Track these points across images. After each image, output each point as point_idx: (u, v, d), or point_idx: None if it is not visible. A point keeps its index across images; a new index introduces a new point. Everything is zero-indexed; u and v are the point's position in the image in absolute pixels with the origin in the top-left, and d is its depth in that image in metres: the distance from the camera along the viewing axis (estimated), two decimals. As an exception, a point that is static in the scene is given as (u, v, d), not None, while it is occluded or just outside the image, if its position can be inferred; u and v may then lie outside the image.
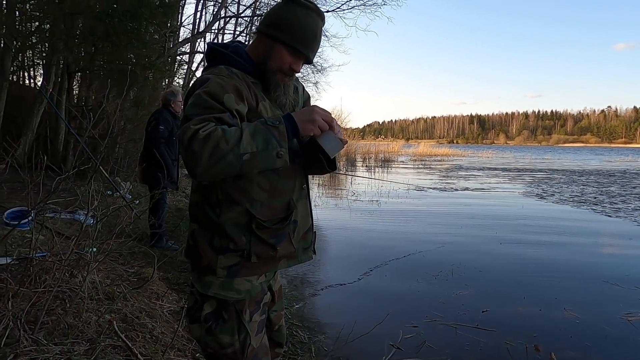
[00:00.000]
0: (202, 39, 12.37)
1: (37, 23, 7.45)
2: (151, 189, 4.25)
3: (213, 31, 12.85)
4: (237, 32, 13.97)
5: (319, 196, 9.44)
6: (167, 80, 10.54)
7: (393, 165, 20.56)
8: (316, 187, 11.07)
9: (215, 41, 12.79)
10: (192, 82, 1.40)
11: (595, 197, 9.83)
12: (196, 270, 1.27)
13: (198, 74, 12.15)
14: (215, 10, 12.35)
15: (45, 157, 2.32)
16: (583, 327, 3.01)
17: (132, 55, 7.25)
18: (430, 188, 11.33)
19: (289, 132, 1.12)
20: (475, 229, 6.25)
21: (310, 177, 1.42)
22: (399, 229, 6.27)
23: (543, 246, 5.31)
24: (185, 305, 1.35)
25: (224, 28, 13.59)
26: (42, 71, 8.94)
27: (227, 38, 13.99)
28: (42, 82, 7.34)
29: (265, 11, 11.98)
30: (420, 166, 20.92)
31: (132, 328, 2.19)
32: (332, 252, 4.94)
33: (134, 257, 3.52)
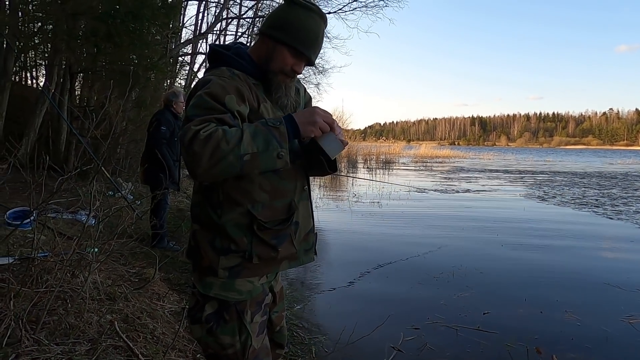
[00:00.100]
0: (204, 40, 12.42)
1: (39, 24, 7.48)
2: (153, 189, 4.26)
3: (215, 32, 12.89)
4: (239, 34, 14.00)
5: (320, 197, 9.44)
6: (169, 81, 10.57)
7: (394, 167, 20.56)
8: (317, 188, 11.07)
9: (217, 42, 12.83)
10: (194, 83, 1.40)
11: (596, 200, 9.81)
12: (197, 271, 1.28)
13: (200, 75, 12.18)
14: (217, 11, 12.38)
15: (47, 158, 2.32)
16: (584, 329, 3.00)
17: (134, 56, 7.27)
18: (432, 190, 11.32)
19: (290, 133, 1.12)
20: (476, 231, 6.24)
21: (311, 178, 1.42)
22: (399, 231, 6.26)
23: (544, 248, 5.30)
24: (187, 306, 1.35)
25: (225, 29, 13.62)
26: (44, 71, 8.99)
27: (229, 39, 14.03)
28: (45, 83, 7.36)
29: (267, 13, 12.01)
30: (422, 168, 20.91)
31: (134, 328, 2.19)
32: (333, 253, 4.94)
33: (136, 258, 3.53)
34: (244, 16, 13.49)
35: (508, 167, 22.92)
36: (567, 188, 12.43)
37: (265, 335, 1.33)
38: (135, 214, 3.92)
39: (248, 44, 1.39)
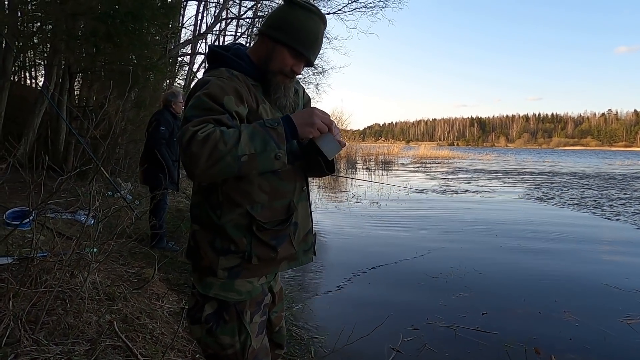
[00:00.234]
0: (203, 41, 12.41)
1: (39, 23, 7.48)
2: (152, 189, 4.25)
3: (214, 32, 12.90)
4: (239, 34, 14.01)
5: (319, 198, 9.45)
6: (168, 81, 10.56)
7: (393, 168, 20.57)
8: (316, 189, 11.08)
9: (217, 43, 12.85)
10: (193, 84, 1.41)
11: (595, 201, 9.83)
12: (197, 271, 1.28)
13: (199, 75, 12.18)
14: (217, 11, 12.39)
15: (47, 158, 2.32)
16: (583, 329, 3.01)
17: (133, 56, 7.27)
18: (431, 191, 11.33)
19: (288, 133, 1.12)
20: (475, 232, 6.25)
21: (310, 179, 1.42)
22: (398, 232, 6.27)
23: (543, 249, 5.30)
24: (186, 306, 1.35)
25: (225, 29, 13.63)
26: (43, 71, 8.98)
27: (229, 39, 14.04)
28: (44, 83, 7.36)
29: (266, 13, 12.03)
30: (421, 168, 20.93)
31: (133, 329, 2.19)
32: (332, 254, 4.94)
33: (135, 258, 3.53)
34: (244, 16, 13.50)
35: (507, 168, 22.95)
36: (566, 189, 12.45)
37: (264, 336, 1.33)
38: (135, 214, 3.92)
39: (247, 45, 1.40)
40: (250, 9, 13.54)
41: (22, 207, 3.82)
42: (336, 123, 1.24)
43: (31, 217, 2.64)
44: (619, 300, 3.58)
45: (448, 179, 15.00)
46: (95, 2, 6.54)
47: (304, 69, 1.34)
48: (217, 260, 1.22)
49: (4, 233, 2.92)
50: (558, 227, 6.65)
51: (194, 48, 12.47)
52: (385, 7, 12.43)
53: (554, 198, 10.26)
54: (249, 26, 13.65)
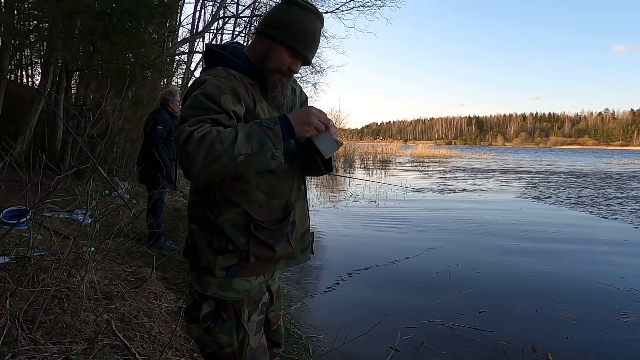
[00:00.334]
0: (201, 39, 12.37)
1: (35, 22, 7.43)
2: (149, 188, 4.25)
3: (212, 31, 12.85)
4: (236, 33, 13.97)
5: (317, 197, 9.45)
6: (165, 80, 10.52)
7: (391, 167, 20.59)
8: (314, 188, 11.08)
9: (214, 41, 12.81)
10: (190, 83, 1.40)
11: (592, 200, 9.87)
12: (195, 270, 1.28)
13: (196, 74, 12.14)
14: (214, 10, 12.35)
15: (44, 156, 2.31)
16: (579, 327, 3.02)
17: (130, 54, 7.24)
18: (428, 190, 11.35)
19: (284, 133, 1.12)
20: (472, 230, 6.27)
21: (307, 178, 1.43)
22: (396, 231, 6.28)
23: (539, 247, 5.33)
24: (184, 305, 1.35)
25: (222, 28, 13.59)
26: (40, 70, 8.93)
27: (226, 38, 14.00)
28: (41, 81, 7.32)
29: (264, 12, 12.00)
30: (419, 167, 20.95)
31: (130, 328, 2.19)
32: (330, 253, 4.94)
33: (132, 257, 3.52)
34: (241, 15, 13.46)
35: (504, 167, 23.01)
36: (563, 188, 12.50)
37: (262, 334, 1.33)
38: (132, 213, 3.92)
39: (245, 43, 1.40)
40: (247, 7, 13.50)
41: (19, 206, 3.80)
42: (334, 122, 1.24)
43: (28, 216, 2.64)
44: (615, 298, 3.60)
45: (446, 178, 15.03)
46: (92, 0, 6.51)
47: (302, 67, 1.34)
48: (214, 260, 1.22)
49: (0, 232, 2.91)
50: (555, 226, 6.67)
51: (191, 47, 12.43)
52: (383, 6, 12.42)
53: (551, 197, 10.29)
54: (247, 25, 13.61)
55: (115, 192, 5.28)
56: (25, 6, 7.10)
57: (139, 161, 4.34)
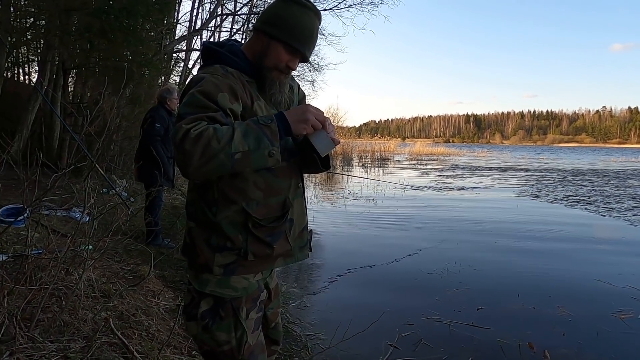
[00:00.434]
0: (199, 37, 12.34)
1: (32, 19, 7.40)
2: (147, 186, 4.24)
3: (209, 29, 12.82)
4: (234, 30, 13.93)
5: (315, 195, 9.45)
6: (163, 77, 10.50)
7: (389, 165, 20.60)
8: (312, 186, 11.08)
9: (212, 39, 12.79)
10: (188, 80, 1.40)
11: (589, 197, 9.90)
12: (193, 268, 1.28)
13: (194, 71, 12.11)
14: (212, 7, 12.32)
15: (41, 154, 2.31)
16: (576, 324, 3.04)
17: (128, 52, 7.22)
18: (426, 187, 11.37)
19: (281, 130, 1.12)
20: (470, 228, 6.28)
21: (305, 175, 1.43)
22: (394, 229, 6.29)
23: (537, 245, 5.34)
24: (182, 303, 1.36)
25: (220, 26, 13.55)
26: (37, 67, 8.90)
27: (224, 36, 13.96)
28: (37, 79, 7.29)
29: (261, 9, 11.96)
30: (417, 165, 20.97)
31: (128, 326, 2.19)
32: (328, 251, 4.95)
33: (130, 255, 3.52)
34: (239, 12, 13.43)
35: (502, 165, 23.05)
36: (560, 185, 12.54)
37: (260, 332, 1.34)
38: (130, 211, 3.91)
39: (243, 41, 1.39)
40: (245, 4, 13.48)
41: (16, 204, 3.79)
42: (331, 120, 1.24)
43: (25, 215, 2.63)
44: (611, 295, 3.62)
45: (444, 176, 15.05)
46: (89, -3, 6.48)
47: (300, 65, 1.34)
48: (212, 257, 1.22)
49: (-2, 230, 2.90)
50: (552, 224, 6.69)
51: (189, 44, 12.41)
52: (382, 3, 12.46)
53: (548, 195, 10.32)
54: (245, 22, 13.59)
55: (113, 190, 5.27)
56: (22, 3, 7.07)
57: (136, 159, 4.33)
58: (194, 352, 2.17)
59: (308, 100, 1.49)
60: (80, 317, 2.08)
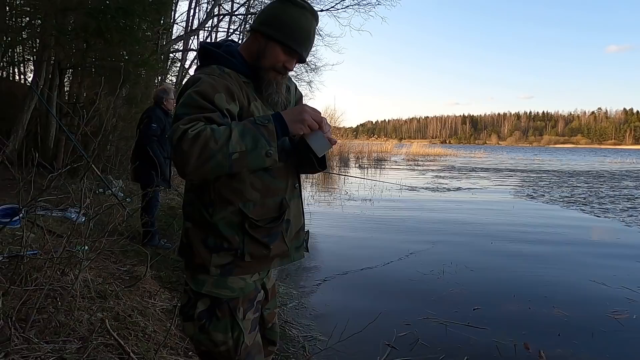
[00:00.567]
0: (196, 37, 12.32)
1: (27, 18, 7.36)
2: (143, 187, 4.22)
3: (206, 29, 12.80)
4: (231, 30, 13.91)
5: (312, 196, 9.45)
6: (159, 77, 10.47)
7: (386, 165, 20.63)
8: (309, 186, 11.08)
9: (209, 39, 12.77)
10: (185, 81, 1.40)
11: (584, 198, 9.95)
12: (190, 269, 1.28)
13: (191, 71, 12.08)
14: (209, 8, 12.29)
15: (37, 154, 2.30)
16: (571, 325, 3.06)
17: (124, 52, 7.19)
18: (423, 188, 11.39)
19: (278, 131, 1.12)
20: (466, 229, 6.30)
21: (302, 176, 1.43)
22: (391, 230, 6.30)
23: (532, 246, 5.37)
24: (179, 304, 1.35)
25: (217, 26, 13.53)
26: (32, 67, 8.84)
27: (221, 36, 13.93)
28: (33, 79, 7.25)
29: (259, 9, 11.95)
30: (413, 166, 21.01)
31: (125, 326, 2.18)
32: (326, 252, 4.95)
33: (126, 256, 3.51)
34: (236, 13, 13.40)
35: (498, 166, 23.14)
36: (556, 186, 12.60)
37: (257, 332, 1.34)
38: (126, 211, 3.90)
39: (240, 41, 1.39)
40: (242, 5, 13.44)
41: (12, 204, 3.77)
42: (328, 120, 1.25)
43: (21, 215, 2.61)
44: (606, 296, 3.64)
45: (440, 177, 15.09)
46: (86, -3, 6.46)
47: (297, 65, 1.35)
48: (209, 258, 1.22)
49: (-7, 231, 2.88)
50: (548, 225, 6.72)
51: (186, 44, 12.37)
52: (378, 4, 12.46)
53: (544, 195, 10.37)
54: (242, 23, 13.57)
55: (109, 191, 5.25)
56: (18, 2, 7.03)
57: (133, 159, 4.31)
58: (190, 353, 2.16)
59: (305, 101, 1.50)
60: (76, 317, 2.07)
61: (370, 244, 5.37)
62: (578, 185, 13.09)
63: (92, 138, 3.38)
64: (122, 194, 5.84)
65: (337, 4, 12.30)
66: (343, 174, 14.99)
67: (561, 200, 9.59)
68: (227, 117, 1.14)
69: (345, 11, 13.85)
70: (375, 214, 7.44)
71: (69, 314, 2.08)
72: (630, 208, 8.52)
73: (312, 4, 1.37)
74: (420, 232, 6.07)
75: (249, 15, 12.78)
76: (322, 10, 12.15)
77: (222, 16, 13.27)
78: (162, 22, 8.96)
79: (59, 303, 2.12)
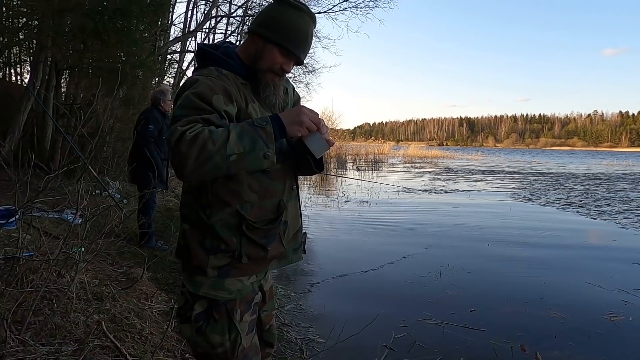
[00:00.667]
0: (193, 38, 12.31)
1: (24, 19, 7.34)
2: (140, 188, 4.21)
3: (204, 30, 12.79)
4: (229, 32, 13.91)
5: (309, 198, 9.45)
6: (157, 79, 10.45)
7: (383, 167, 20.66)
8: (307, 188, 11.08)
9: (206, 41, 12.76)
10: (182, 82, 1.40)
11: (580, 200, 9.99)
12: (187, 270, 1.28)
13: (188, 73, 12.08)
14: (207, 9, 12.31)
15: (33, 156, 2.29)
16: (567, 326, 3.07)
17: (122, 53, 7.18)
18: (420, 190, 11.41)
19: (276, 132, 1.12)
20: (463, 231, 6.31)
21: (300, 178, 1.43)
22: (388, 231, 6.31)
23: (529, 248, 5.38)
24: (175, 306, 1.35)
25: (215, 27, 13.53)
26: (29, 68, 8.81)
27: (219, 37, 13.92)
28: (30, 79, 7.23)
29: (257, 11, 11.97)
30: (411, 168, 21.05)
31: (121, 328, 2.17)
32: (322, 254, 4.95)
33: (123, 257, 3.50)
34: (234, 14, 13.41)
35: (495, 168, 23.21)
36: (552, 188, 12.65)
37: (254, 334, 1.34)
38: (123, 213, 3.88)
39: (237, 43, 1.40)
40: (240, 7, 13.45)
41: (8, 205, 3.75)
42: (325, 122, 1.25)
43: (17, 216, 2.60)
44: (602, 298, 3.65)
45: (437, 179, 15.12)
46: (83, -2, 6.45)
47: (294, 67, 1.35)
48: (206, 259, 1.22)
49: (-12, 232, 2.87)
50: (544, 228, 6.75)
51: (183, 46, 12.36)
52: (376, 7, 12.49)
53: (540, 197, 10.41)
54: (239, 24, 13.57)
55: (106, 192, 5.24)
56: (14, 3, 7.01)
57: (130, 161, 4.30)
58: (187, 355, 2.16)
59: (302, 103, 1.50)
60: (72, 320, 2.06)
61: (367, 246, 5.37)
62: (574, 187, 13.15)
63: (89, 139, 3.37)
64: (119, 196, 5.82)
65: (334, 6, 12.35)
66: (341, 175, 15.00)
67: (558, 202, 9.63)
68: (225, 118, 1.14)
69: (342, 13, 13.90)
70: (373, 216, 7.44)
71: (65, 316, 2.07)
72: (626, 210, 8.56)
73: (309, 6, 1.38)
74: (417, 234, 6.08)
75: (247, 17, 12.80)
76: (319, 13, 12.19)
77: (219, 18, 13.28)
78: (159, 23, 8.96)
79: (55, 305, 2.11)
